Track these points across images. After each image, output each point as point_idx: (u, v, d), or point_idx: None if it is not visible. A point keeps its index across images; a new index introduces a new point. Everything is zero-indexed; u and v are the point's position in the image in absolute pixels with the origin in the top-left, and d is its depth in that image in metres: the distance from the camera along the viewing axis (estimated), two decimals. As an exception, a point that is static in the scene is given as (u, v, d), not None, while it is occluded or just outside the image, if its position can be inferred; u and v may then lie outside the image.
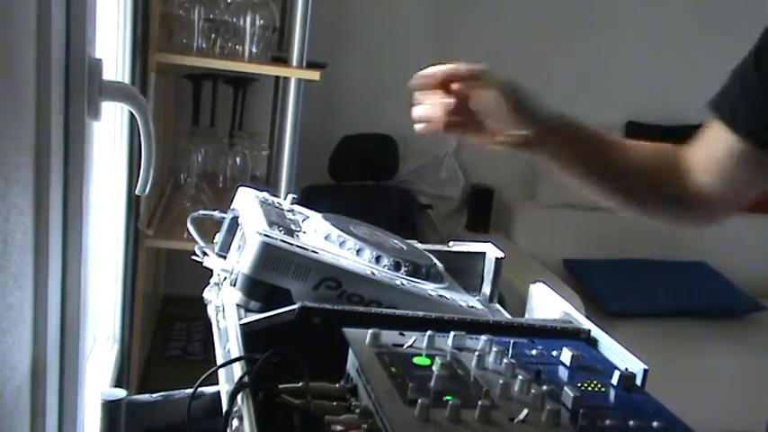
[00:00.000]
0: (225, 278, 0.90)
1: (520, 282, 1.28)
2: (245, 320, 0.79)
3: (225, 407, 0.66)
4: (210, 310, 0.92)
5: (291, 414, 0.65)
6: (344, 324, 0.73)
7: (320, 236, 0.94)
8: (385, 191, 3.51)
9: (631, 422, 0.64)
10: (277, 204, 1.04)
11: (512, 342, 0.77)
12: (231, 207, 1.02)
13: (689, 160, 1.10)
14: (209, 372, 0.74)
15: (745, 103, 1.02)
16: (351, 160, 3.39)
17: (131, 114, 1.21)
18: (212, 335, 0.86)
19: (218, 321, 0.87)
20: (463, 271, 1.06)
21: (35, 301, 0.97)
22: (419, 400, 0.59)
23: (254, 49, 2.40)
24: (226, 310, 0.84)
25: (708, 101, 1.07)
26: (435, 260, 0.99)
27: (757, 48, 1.01)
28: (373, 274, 0.86)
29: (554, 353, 0.78)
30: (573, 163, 1.10)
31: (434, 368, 0.67)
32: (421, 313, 0.81)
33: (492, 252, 1.07)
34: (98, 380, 1.79)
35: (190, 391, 0.80)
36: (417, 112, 1.06)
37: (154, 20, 2.15)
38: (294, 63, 2.39)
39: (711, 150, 1.07)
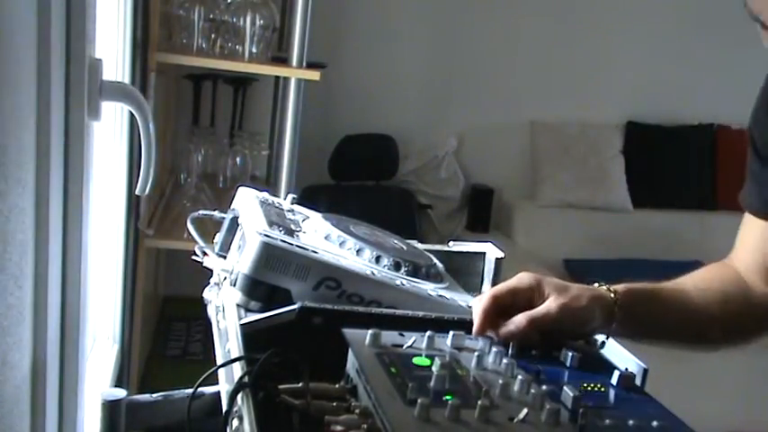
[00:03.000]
0: (225, 278, 0.90)
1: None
2: (245, 320, 0.79)
3: (225, 407, 0.66)
4: (210, 310, 0.92)
5: (291, 414, 0.65)
6: (344, 324, 0.73)
7: (320, 236, 0.94)
8: (385, 191, 3.51)
9: (631, 422, 0.64)
10: (277, 204, 1.04)
11: (511, 342, 0.77)
12: (231, 207, 1.02)
13: (744, 272, 1.06)
14: (210, 372, 0.74)
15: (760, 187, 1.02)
16: (351, 160, 3.39)
17: (131, 114, 1.21)
18: (212, 335, 0.86)
19: (218, 321, 0.87)
20: (463, 271, 1.06)
21: (35, 301, 0.97)
22: (419, 400, 0.59)
23: (254, 49, 2.40)
24: (226, 310, 0.84)
25: (740, 199, 1.05)
26: (435, 260, 0.99)
27: (749, 131, 1.02)
28: (373, 274, 0.86)
29: (554, 353, 0.78)
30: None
31: (434, 368, 0.67)
32: (421, 313, 0.81)
33: (492, 252, 1.07)
34: (98, 380, 1.79)
35: (190, 391, 0.80)
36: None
37: (154, 20, 2.15)
38: (294, 63, 2.38)
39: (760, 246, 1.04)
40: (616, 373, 0.73)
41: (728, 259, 1.10)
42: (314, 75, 2.38)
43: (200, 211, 1.05)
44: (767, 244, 1.03)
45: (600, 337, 0.85)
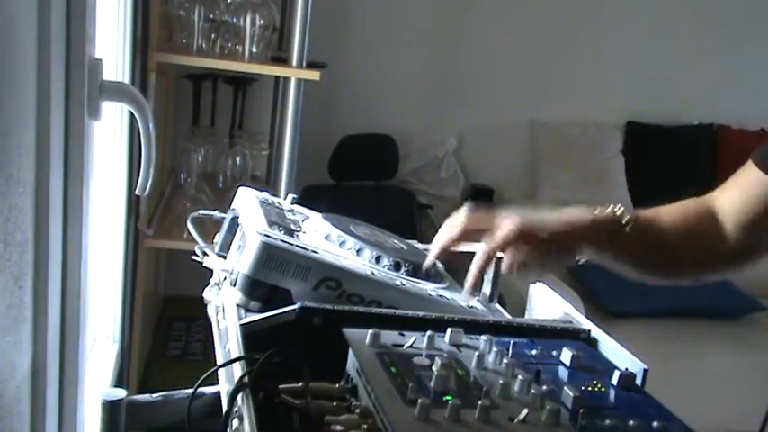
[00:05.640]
0: (225, 278, 0.90)
1: (520, 282, 1.27)
2: (245, 320, 0.79)
3: (225, 407, 0.66)
4: (210, 310, 0.92)
5: (291, 414, 0.65)
6: (344, 324, 0.73)
7: (320, 236, 0.94)
8: (385, 191, 3.51)
9: (631, 422, 0.64)
10: (277, 204, 1.04)
11: (512, 342, 0.77)
12: (231, 207, 1.02)
13: (722, 212, 1.10)
14: (210, 372, 0.74)
15: None
16: (351, 160, 3.39)
17: (131, 114, 1.21)
18: (212, 335, 0.86)
19: (218, 321, 0.87)
20: (463, 271, 1.06)
21: (35, 301, 0.97)
22: (419, 400, 0.59)
23: (254, 49, 2.40)
24: (226, 310, 0.84)
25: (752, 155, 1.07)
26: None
27: None
28: (373, 274, 0.86)
29: (554, 353, 0.78)
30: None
31: (434, 368, 0.67)
32: (421, 313, 0.81)
33: (492, 252, 1.06)
34: (98, 380, 1.79)
35: (190, 391, 0.80)
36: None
37: (154, 20, 2.15)
38: (294, 63, 2.38)
39: (747, 197, 1.06)
40: (616, 373, 0.73)
41: (709, 197, 1.13)
42: (314, 75, 2.38)
43: (201, 211, 1.05)
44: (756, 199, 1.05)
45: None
